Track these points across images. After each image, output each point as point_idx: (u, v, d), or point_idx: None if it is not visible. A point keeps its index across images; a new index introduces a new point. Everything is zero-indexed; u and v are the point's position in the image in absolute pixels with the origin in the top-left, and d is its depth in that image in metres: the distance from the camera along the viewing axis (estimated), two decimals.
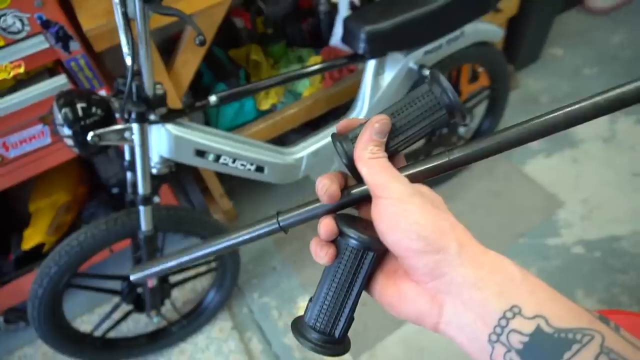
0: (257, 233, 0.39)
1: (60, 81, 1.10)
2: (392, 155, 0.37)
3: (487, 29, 1.38)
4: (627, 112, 1.88)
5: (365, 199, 0.37)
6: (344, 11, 1.49)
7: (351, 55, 1.23)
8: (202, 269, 1.49)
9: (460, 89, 1.88)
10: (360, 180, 0.37)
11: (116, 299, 1.35)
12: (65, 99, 0.92)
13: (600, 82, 2.02)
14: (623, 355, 0.25)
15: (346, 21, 1.19)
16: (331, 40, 1.57)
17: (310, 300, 0.38)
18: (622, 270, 1.48)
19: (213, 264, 1.44)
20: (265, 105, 1.50)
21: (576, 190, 1.71)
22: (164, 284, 1.31)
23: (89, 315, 1.58)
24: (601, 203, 1.66)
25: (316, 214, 0.37)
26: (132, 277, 0.41)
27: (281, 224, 0.38)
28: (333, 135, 0.39)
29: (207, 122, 1.50)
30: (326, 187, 0.36)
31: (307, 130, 1.53)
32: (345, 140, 0.38)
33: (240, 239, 0.39)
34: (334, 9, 1.59)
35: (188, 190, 1.73)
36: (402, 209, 0.31)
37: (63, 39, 1.06)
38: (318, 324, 0.37)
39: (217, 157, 1.15)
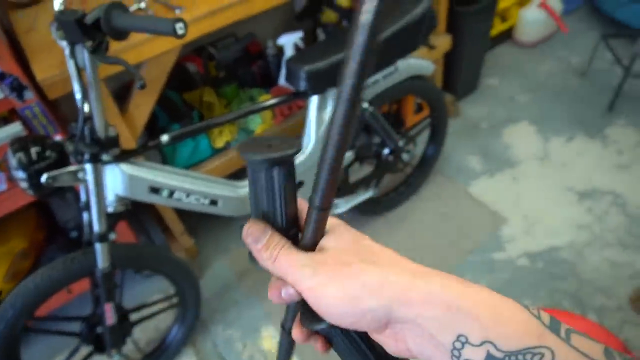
0: None
1: (14, 129, 1.15)
2: (294, 212, 0.36)
3: (418, 64, 1.52)
4: (557, 132, 2.06)
5: None
6: (289, 53, 1.61)
7: (295, 92, 1.33)
8: (164, 305, 1.51)
9: (404, 120, 2.02)
10: (295, 242, 0.36)
11: (75, 343, 1.34)
12: (19, 144, 0.97)
13: (533, 107, 2.21)
14: None
15: (288, 62, 1.30)
16: (280, 80, 1.68)
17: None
18: (562, 277, 1.60)
19: (174, 300, 1.46)
20: (219, 143, 1.57)
21: (517, 206, 1.84)
22: (124, 322, 1.33)
23: None
24: (540, 217, 1.79)
25: None
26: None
27: None
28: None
29: (165, 162, 1.56)
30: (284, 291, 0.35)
31: None
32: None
33: None
34: (281, 51, 1.71)
35: (149, 230, 1.76)
36: (314, 296, 0.32)
37: (17, 89, 1.12)
38: None
39: (171, 193, 1.21)
